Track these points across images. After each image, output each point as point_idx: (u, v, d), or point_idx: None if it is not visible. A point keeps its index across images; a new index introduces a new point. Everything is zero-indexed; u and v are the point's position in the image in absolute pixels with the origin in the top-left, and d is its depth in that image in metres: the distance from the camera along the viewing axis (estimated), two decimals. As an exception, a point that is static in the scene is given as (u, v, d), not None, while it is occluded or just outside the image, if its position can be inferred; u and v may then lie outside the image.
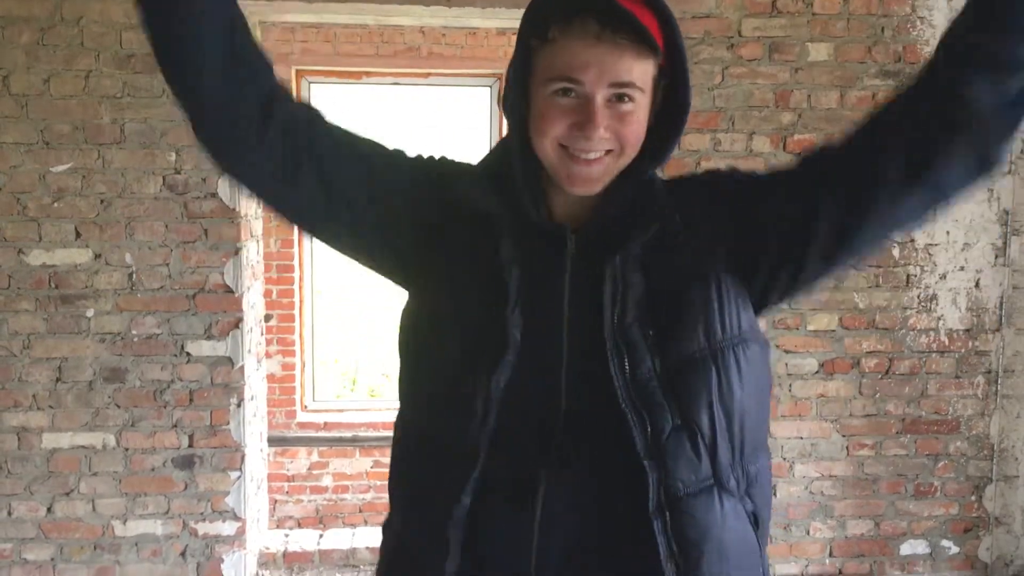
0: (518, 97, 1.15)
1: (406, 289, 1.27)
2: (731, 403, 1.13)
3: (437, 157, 1.29)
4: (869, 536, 3.76)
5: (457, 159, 1.30)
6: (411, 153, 1.27)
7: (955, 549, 3.80)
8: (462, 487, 1.11)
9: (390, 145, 1.26)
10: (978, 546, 3.81)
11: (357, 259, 1.28)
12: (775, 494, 3.67)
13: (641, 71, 1.10)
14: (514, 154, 1.17)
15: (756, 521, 1.19)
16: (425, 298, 1.23)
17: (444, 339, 1.17)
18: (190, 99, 1.13)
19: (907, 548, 3.78)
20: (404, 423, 1.26)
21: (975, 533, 3.80)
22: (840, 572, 3.74)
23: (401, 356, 1.25)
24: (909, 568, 3.78)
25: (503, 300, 1.12)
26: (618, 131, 1.11)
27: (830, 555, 3.75)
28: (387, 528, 1.28)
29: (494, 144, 1.23)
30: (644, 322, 1.12)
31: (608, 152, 1.13)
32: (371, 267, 1.28)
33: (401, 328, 1.25)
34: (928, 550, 3.79)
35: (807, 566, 3.73)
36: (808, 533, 3.73)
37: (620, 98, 1.10)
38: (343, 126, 1.22)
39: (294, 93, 1.25)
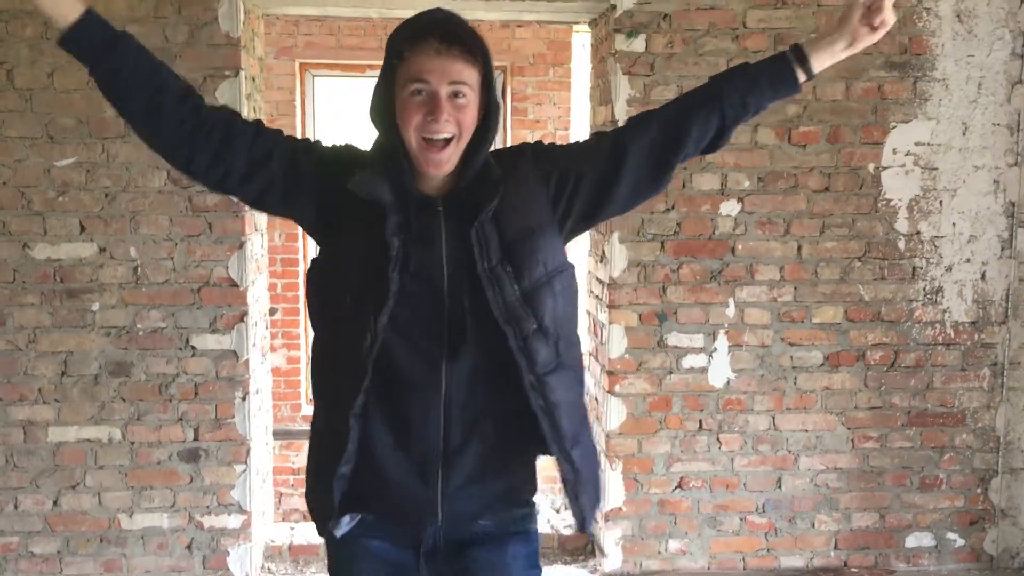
0: (383, 106, 1.63)
1: (319, 245, 1.74)
2: (561, 311, 1.68)
3: (341, 145, 1.75)
4: (874, 528, 3.75)
5: (357, 146, 1.75)
6: (314, 141, 1.77)
7: (961, 542, 3.80)
8: (357, 390, 1.61)
9: (294, 136, 1.74)
10: (983, 538, 3.80)
11: (284, 210, 1.75)
12: (780, 486, 3.67)
13: (469, 74, 1.59)
14: (390, 150, 1.63)
15: (579, 380, 1.76)
16: (331, 256, 1.70)
17: (343, 289, 1.64)
18: (140, 134, 1.68)
19: (912, 540, 3.77)
20: (318, 347, 1.74)
21: (981, 525, 3.80)
22: (845, 564, 3.74)
23: (311, 296, 1.73)
24: (914, 560, 3.78)
25: (387, 262, 1.59)
26: (457, 118, 1.59)
27: (835, 548, 3.74)
28: (312, 425, 1.77)
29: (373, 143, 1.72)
30: (504, 262, 1.62)
31: (450, 140, 1.59)
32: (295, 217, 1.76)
33: (311, 273, 1.73)
34: (934, 543, 3.78)
35: (812, 559, 3.73)
36: (813, 526, 3.72)
37: (456, 95, 1.58)
38: (256, 122, 1.71)
39: (258, 119, 1.82)
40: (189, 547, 3.48)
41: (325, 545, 1.81)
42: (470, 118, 1.61)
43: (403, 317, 1.61)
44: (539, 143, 1.81)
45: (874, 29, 1.66)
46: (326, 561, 1.82)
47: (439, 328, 1.63)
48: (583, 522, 1.75)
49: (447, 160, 1.61)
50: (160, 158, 1.70)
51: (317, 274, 1.72)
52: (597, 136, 1.89)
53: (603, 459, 3.66)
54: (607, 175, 1.71)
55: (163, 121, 1.62)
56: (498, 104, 1.67)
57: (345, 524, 1.72)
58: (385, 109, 1.63)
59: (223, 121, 1.65)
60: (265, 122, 1.78)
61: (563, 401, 1.67)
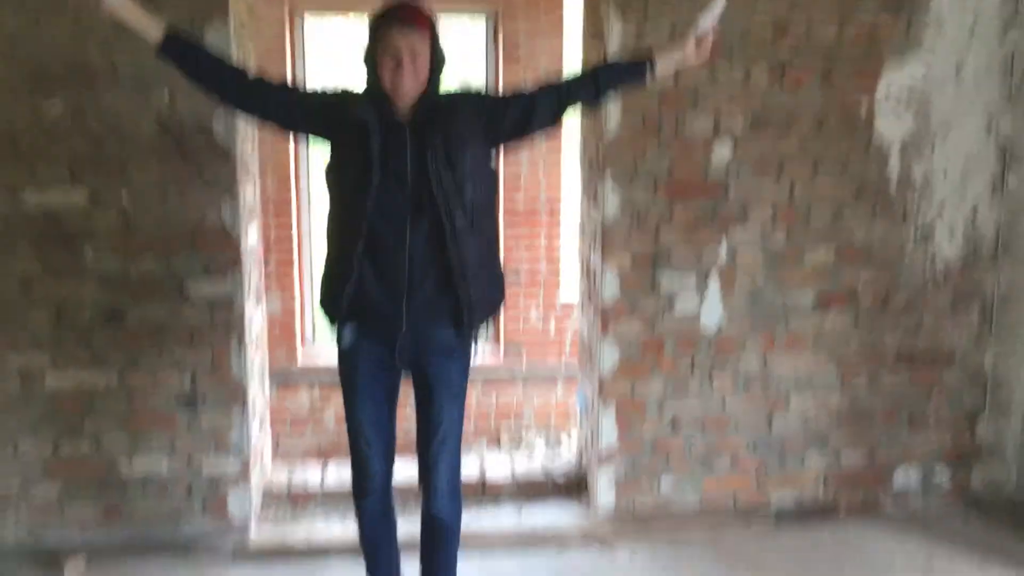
0: (372, 61, 2.50)
1: (329, 151, 2.62)
2: (481, 198, 2.58)
3: (340, 87, 2.63)
4: (863, 466, 3.82)
5: (350, 88, 2.63)
6: (323, 89, 2.64)
7: (948, 478, 3.86)
8: (358, 241, 2.51)
9: (312, 87, 2.71)
10: (970, 475, 3.87)
11: (309, 137, 2.79)
12: (771, 426, 3.72)
13: (422, 44, 2.46)
14: (375, 90, 2.51)
15: (489, 242, 2.68)
16: (337, 159, 2.60)
17: (343, 179, 2.58)
18: (212, 100, 2.76)
19: (900, 477, 3.84)
20: (332, 217, 2.64)
21: (967, 462, 3.86)
22: (834, 501, 3.81)
23: (327, 185, 2.63)
24: (902, 496, 3.85)
25: (370, 163, 2.47)
26: (416, 71, 2.46)
27: (825, 484, 3.81)
28: (324, 266, 2.67)
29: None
30: (446, 164, 2.49)
31: (411, 85, 2.47)
32: (314, 139, 2.74)
33: (326, 171, 2.63)
34: (921, 479, 3.85)
35: (801, 495, 3.80)
36: (803, 464, 3.79)
37: (413, 58, 2.45)
38: (283, 86, 2.72)
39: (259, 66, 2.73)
40: (188, 491, 3.53)
41: (337, 355, 2.71)
42: (423, 70, 2.48)
43: (384, 200, 2.49)
44: (482, 90, 2.71)
45: (699, 53, 2.69)
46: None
47: (406, 207, 2.49)
48: (468, 327, 2.62)
49: (409, 93, 2.48)
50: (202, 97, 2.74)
51: (329, 172, 2.62)
52: (521, 92, 2.68)
53: (596, 401, 3.70)
54: (522, 117, 2.62)
55: (227, 95, 2.62)
56: (443, 57, 2.53)
57: (347, 336, 2.64)
58: (371, 64, 2.50)
59: (264, 91, 2.61)
60: (256, 69, 2.70)
61: (471, 253, 2.54)
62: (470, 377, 2.78)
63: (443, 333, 2.62)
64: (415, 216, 2.49)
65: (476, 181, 2.55)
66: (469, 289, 2.55)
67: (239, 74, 2.60)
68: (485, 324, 2.70)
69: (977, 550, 3.48)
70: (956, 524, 3.71)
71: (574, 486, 3.98)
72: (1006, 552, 3.46)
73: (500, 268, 2.78)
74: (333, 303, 2.62)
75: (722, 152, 3.55)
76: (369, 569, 2.86)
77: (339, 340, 2.66)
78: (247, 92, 2.59)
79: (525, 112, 2.61)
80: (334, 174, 2.60)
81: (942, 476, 3.85)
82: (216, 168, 3.34)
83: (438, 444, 2.68)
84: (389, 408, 2.73)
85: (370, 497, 2.76)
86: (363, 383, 2.68)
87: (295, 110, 2.61)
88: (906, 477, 3.84)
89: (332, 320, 2.67)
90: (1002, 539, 3.57)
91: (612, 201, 3.53)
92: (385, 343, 2.61)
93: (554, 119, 2.67)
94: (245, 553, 3.45)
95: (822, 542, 3.56)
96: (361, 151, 2.47)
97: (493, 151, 2.68)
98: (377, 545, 2.85)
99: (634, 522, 3.67)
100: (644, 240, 3.57)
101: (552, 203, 6.64)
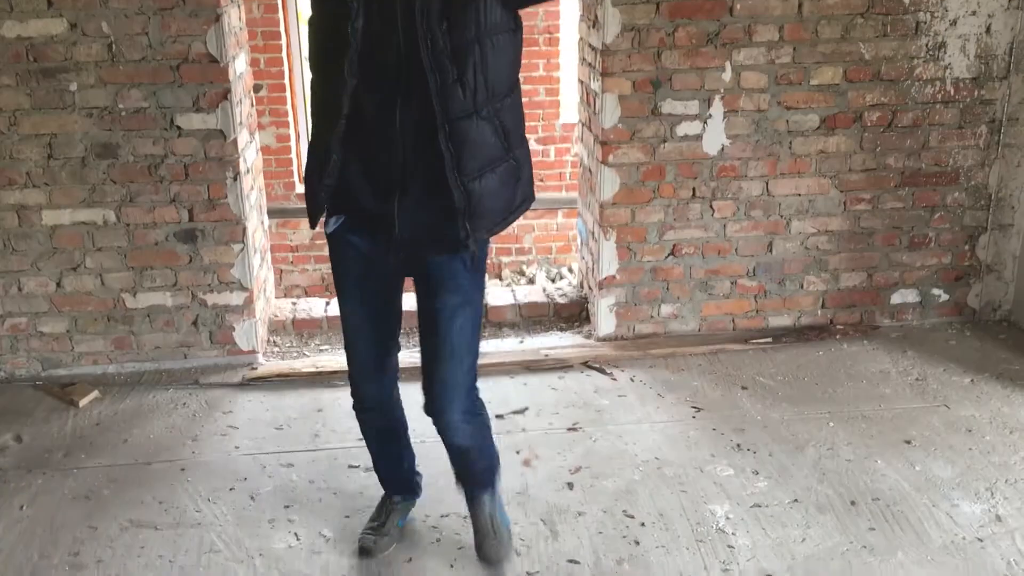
0: None
1: (312, 10, 2.09)
2: (486, 68, 1.99)
3: None
4: (861, 287, 3.85)
5: None
6: None
7: (945, 296, 3.91)
8: (337, 122, 2.03)
9: None
10: (968, 293, 3.91)
11: None
12: (771, 250, 3.73)
13: None
14: None
15: (504, 131, 2.09)
16: (316, 11, 2.08)
17: (321, 39, 2.08)
18: None
19: (898, 297, 3.88)
20: (312, 85, 2.14)
21: (966, 281, 3.90)
22: (831, 322, 3.87)
23: (308, 44, 2.14)
24: (899, 316, 3.90)
25: (354, 14, 1.94)
26: None
27: (822, 307, 3.86)
28: (308, 147, 2.05)
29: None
30: (440, 21, 1.92)
31: None
32: None
33: (308, 31, 2.13)
34: (918, 298, 3.89)
35: (799, 317, 3.86)
36: (802, 287, 3.82)
37: None
38: None
39: None
40: (195, 323, 3.58)
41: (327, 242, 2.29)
42: None
43: (367, 68, 1.98)
44: None
45: None
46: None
47: (395, 78, 1.99)
48: (465, 240, 2.10)
49: None
50: None
51: (310, 29, 2.12)
52: None
53: (596, 228, 3.69)
54: None
55: None
56: None
57: (332, 224, 2.23)
58: None
59: None
60: None
61: (470, 142, 2.02)
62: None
63: (441, 240, 2.14)
64: (406, 92, 1.99)
65: (483, 48, 1.98)
66: (468, 192, 2.05)
67: None
68: (483, 234, 2.16)
69: (971, 365, 3.56)
70: (951, 341, 3.78)
71: (576, 315, 4.04)
72: (1000, 366, 3.54)
73: (521, 165, 2.19)
74: (313, 199, 2.18)
75: (728, -34, 3.38)
76: (375, 466, 2.63)
77: (325, 225, 2.27)
78: None
79: None
80: (312, 32, 2.11)
81: (940, 295, 3.89)
82: (198, -7, 3.20)
83: (445, 363, 2.22)
84: (387, 313, 2.34)
85: (366, 413, 2.46)
86: (351, 285, 2.29)
87: None
88: (903, 296, 3.88)
89: (312, 220, 2.23)
90: (996, 355, 3.65)
91: (612, 23, 3.39)
92: (374, 241, 2.18)
93: None
94: (253, 381, 3.54)
95: (817, 358, 3.64)
96: (339, 7, 1.95)
97: (507, 9, 2.03)
98: (378, 451, 2.57)
99: (635, 347, 3.74)
100: (645, 64, 3.46)
101: (550, 29, 6.41)
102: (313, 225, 2.24)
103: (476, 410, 2.34)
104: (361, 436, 2.55)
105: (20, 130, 3.29)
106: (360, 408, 2.44)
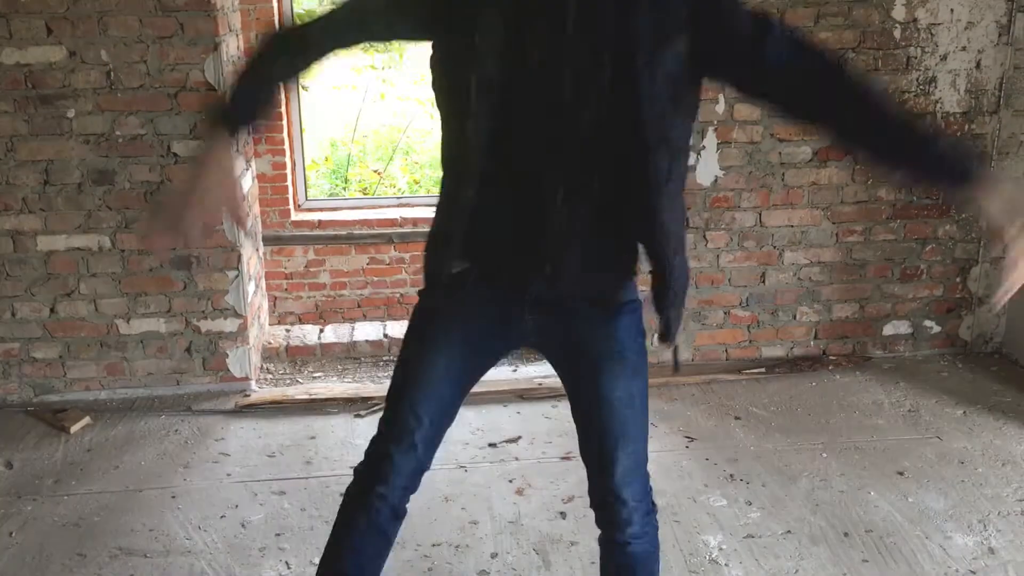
0: None
1: (432, 45, 1.64)
2: (676, 124, 1.65)
3: None
4: (854, 319, 3.87)
5: None
6: None
7: (937, 328, 3.92)
8: (472, 178, 1.60)
9: None
10: (959, 325, 3.93)
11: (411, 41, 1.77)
12: (764, 281, 3.75)
13: None
14: None
15: (683, 210, 1.84)
16: (441, 50, 1.62)
17: (456, 78, 1.57)
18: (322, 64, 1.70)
19: (890, 329, 3.90)
20: (441, 150, 1.69)
21: (957, 313, 3.91)
22: (824, 353, 3.88)
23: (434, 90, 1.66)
24: (891, 347, 3.92)
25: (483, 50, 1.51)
26: None
27: (815, 338, 3.87)
28: (440, 192, 1.73)
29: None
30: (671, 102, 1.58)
31: None
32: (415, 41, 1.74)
33: (431, 68, 1.64)
34: (910, 330, 3.91)
35: (792, 348, 3.87)
36: (795, 317, 3.83)
37: None
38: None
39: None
40: (188, 350, 3.58)
41: (423, 300, 1.82)
42: None
43: (516, 110, 1.54)
44: None
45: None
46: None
47: (555, 129, 1.54)
48: (667, 333, 1.78)
49: None
50: None
51: (432, 70, 1.67)
52: (762, 20, 1.57)
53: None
54: (776, 64, 1.56)
55: (320, 56, 1.67)
56: None
57: (458, 266, 1.73)
58: None
59: (341, 22, 1.66)
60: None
61: (671, 216, 1.70)
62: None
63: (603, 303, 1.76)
64: (569, 148, 1.56)
65: (676, 105, 1.58)
66: (672, 266, 1.72)
67: (302, 60, 1.66)
68: (680, 322, 1.84)
69: (963, 397, 3.57)
70: (944, 373, 3.79)
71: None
72: (992, 399, 3.55)
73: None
74: (437, 248, 1.74)
75: (721, 0, 3.42)
76: (330, 565, 1.96)
77: (447, 269, 1.74)
78: (321, 45, 1.65)
79: (783, 63, 1.55)
80: (436, 76, 1.65)
81: (932, 327, 3.91)
82: (197, 23, 3.23)
83: (615, 444, 1.79)
84: (465, 380, 1.86)
85: (380, 488, 1.80)
86: (442, 332, 1.78)
87: (391, 10, 1.65)
88: (895, 328, 3.90)
89: (436, 266, 1.76)
90: (988, 387, 3.66)
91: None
92: (508, 289, 1.72)
93: (754, 97, 1.70)
94: (246, 408, 3.53)
95: (810, 389, 3.64)
96: (470, 34, 1.51)
97: (695, 77, 1.61)
98: (355, 545, 1.91)
99: (628, 375, 3.73)
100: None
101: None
102: (434, 282, 1.79)
103: (652, 506, 1.90)
104: (350, 466, 1.89)
105: (17, 156, 3.30)
106: (376, 480, 1.80)
